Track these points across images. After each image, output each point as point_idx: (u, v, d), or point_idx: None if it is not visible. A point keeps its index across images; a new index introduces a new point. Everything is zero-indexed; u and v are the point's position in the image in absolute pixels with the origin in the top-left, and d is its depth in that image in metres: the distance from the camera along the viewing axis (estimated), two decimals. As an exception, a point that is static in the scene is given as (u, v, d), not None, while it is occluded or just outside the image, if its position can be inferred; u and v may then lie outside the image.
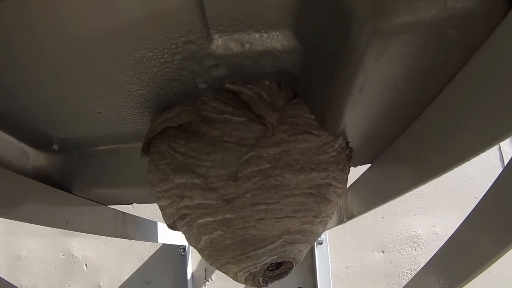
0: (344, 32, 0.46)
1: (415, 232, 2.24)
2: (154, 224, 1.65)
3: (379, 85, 0.55)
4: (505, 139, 0.45)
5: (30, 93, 0.69)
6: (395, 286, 2.18)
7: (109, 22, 0.51)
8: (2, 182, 0.79)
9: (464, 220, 0.61)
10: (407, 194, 0.75)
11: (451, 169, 0.58)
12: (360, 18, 0.43)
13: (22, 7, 0.48)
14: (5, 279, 0.81)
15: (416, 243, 2.22)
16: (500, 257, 0.51)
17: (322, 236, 2.17)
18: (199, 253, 0.82)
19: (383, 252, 2.24)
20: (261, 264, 0.75)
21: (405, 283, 2.02)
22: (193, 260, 2.32)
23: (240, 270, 0.77)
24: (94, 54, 0.58)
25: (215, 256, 0.78)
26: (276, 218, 0.72)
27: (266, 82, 0.69)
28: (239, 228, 0.72)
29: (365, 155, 0.89)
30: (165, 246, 2.32)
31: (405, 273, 2.18)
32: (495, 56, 0.45)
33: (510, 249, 0.49)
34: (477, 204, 0.56)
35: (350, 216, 1.15)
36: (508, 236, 0.48)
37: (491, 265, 0.53)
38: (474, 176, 2.20)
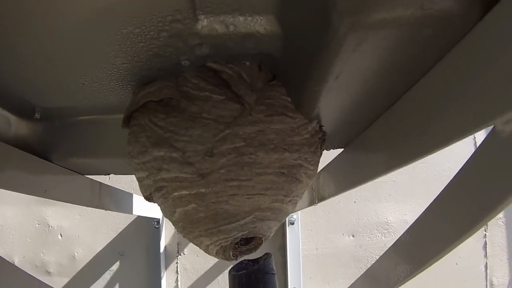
0: (324, 23, 0.48)
1: (386, 218, 2.29)
2: (130, 195, 1.66)
3: (354, 74, 0.58)
4: (470, 134, 0.48)
5: (15, 65, 0.70)
6: (363, 269, 2.20)
7: (98, 0, 0.53)
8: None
9: (427, 208, 0.64)
10: (379, 181, 0.78)
11: (421, 158, 0.61)
12: (340, 11, 0.45)
13: None
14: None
15: (386, 229, 2.27)
16: (459, 244, 0.54)
17: (294, 216, 2.21)
18: (173, 225, 0.84)
19: (353, 236, 2.29)
20: (231, 238, 0.78)
21: (373, 267, 2.07)
22: (167, 234, 2.35)
23: (212, 243, 0.80)
24: (82, 29, 0.59)
25: (189, 229, 0.81)
26: (248, 194, 0.75)
27: (247, 63, 0.71)
28: (212, 202, 0.74)
29: (339, 139, 0.92)
30: (139, 219, 2.34)
31: (374, 258, 2.24)
32: (469, 56, 0.48)
33: (468, 237, 0.52)
34: (441, 192, 0.59)
35: (321, 198, 1.18)
36: (467, 225, 0.51)
37: (450, 251, 0.56)
38: (447, 168, 2.23)
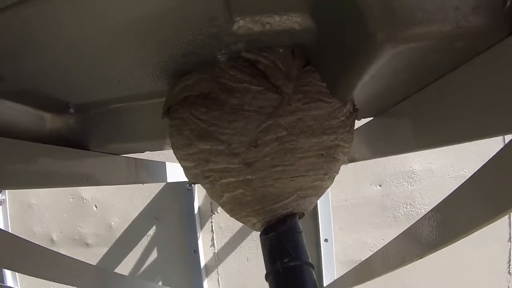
0: (361, 30, 0.50)
1: (411, 167, 2.30)
2: (163, 164, 1.68)
3: (388, 73, 0.60)
4: (490, 137, 0.50)
5: (55, 73, 0.72)
6: (391, 218, 2.28)
7: (137, 14, 0.55)
8: (20, 154, 0.84)
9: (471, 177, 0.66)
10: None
11: (445, 145, 0.64)
12: (378, 27, 0.47)
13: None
14: (19, 229, 0.87)
15: (412, 178, 2.29)
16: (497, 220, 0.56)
17: (323, 169, 2.23)
18: (221, 206, 0.89)
19: (380, 186, 2.32)
20: (277, 215, 0.83)
21: (401, 216, 2.11)
22: (199, 194, 2.42)
23: (258, 221, 0.86)
24: (120, 39, 0.62)
25: (236, 210, 0.86)
26: (291, 177, 0.79)
27: (281, 50, 0.72)
28: (259, 187, 0.79)
29: (369, 111, 0.94)
30: (171, 182, 2.37)
31: (400, 207, 2.27)
32: (494, 63, 0.50)
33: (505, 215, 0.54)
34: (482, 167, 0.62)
35: (352, 160, 1.21)
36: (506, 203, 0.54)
37: (489, 224, 0.58)
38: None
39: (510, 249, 2.27)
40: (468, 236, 0.64)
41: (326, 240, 2.31)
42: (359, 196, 2.34)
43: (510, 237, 2.26)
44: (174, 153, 0.85)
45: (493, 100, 0.49)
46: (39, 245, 0.97)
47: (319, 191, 0.87)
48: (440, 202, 0.75)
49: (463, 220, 0.66)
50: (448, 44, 0.50)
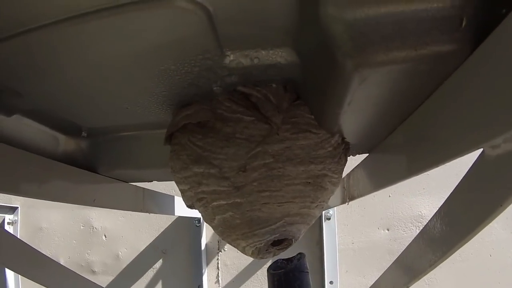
0: (332, 62, 0.56)
1: (420, 212, 2.30)
2: (171, 198, 1.75)
3: (364, 100, 0.65)
4: (463, 155, 0.53)
5: (65, 93, 0.79)
6: None
7: (140, 47, 0.62)
8: (34, 166, 0.90)
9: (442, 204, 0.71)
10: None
11: (431, 168, 0.66)
12: (344, 55, 0.53)
13: (69, 37, 0.58)
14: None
15: (421, 222, 2.28)
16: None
17: (330, 212, 2.27)
18: (213, 229, 0.94)
19: (388, 230, 2.31)
20: (265, 240, 0.87)
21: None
22: (207, 232, 2.43)
23: (248, 245, 0.89)
24: (126, 68, 0.69)
25: (227, 233, 0.90)
26: (278, 203, 0.83)
27: (274, 85, 0.78)
28: (247, 210, 0.83)
29: (362, 147, 0.99)
30: (180, 218, 2.43)
31: (408, 251, 2.24)
32: (460, 86, 0.54)
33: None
34: (450, 194, 0.67)
35: (352, 198, 1.25)
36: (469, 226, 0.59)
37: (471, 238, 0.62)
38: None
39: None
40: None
41: (331, 283, 2.29)
42: (367, 239, 2.33)
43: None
44: (173, 177, 0.90)
45: (467, 118, 0.52)
46: (45, 255, 1.03)
47: (307, 218, 0.91)
48: (425, 225, 0.80)
49: (451, 234, 0.70)
50: (413, 67, 0.54)
